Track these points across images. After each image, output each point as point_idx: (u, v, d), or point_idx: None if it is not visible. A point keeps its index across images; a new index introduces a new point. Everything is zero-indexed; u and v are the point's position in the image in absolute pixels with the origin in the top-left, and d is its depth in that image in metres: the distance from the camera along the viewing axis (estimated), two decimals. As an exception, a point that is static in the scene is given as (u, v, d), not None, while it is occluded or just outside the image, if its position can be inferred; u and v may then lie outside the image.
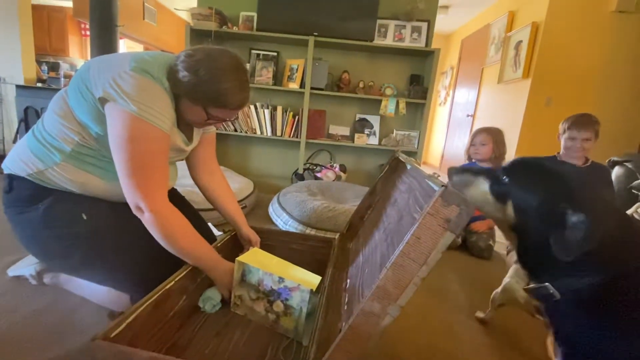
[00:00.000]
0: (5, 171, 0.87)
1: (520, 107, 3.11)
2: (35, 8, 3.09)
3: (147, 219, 0.77)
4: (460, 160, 1.92)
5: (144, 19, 4.57)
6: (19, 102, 2.67)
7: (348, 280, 0.86)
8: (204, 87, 0.78)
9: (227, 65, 0.80)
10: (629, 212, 1.43)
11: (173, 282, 0.79)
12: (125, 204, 0.78)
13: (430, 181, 0.50)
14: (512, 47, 3.34)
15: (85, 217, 0.84)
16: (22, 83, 2.75)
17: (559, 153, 1.64)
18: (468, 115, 4.29)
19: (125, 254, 0.86)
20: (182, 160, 1.04)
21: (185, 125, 0.92)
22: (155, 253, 0.82)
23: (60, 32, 5.03)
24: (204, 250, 0.87)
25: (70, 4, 4.47)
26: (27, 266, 1.00)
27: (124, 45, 5.11)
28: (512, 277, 0.90)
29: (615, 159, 1.84)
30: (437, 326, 1.02)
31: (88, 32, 5.16)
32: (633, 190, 1.46)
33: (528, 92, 3.02)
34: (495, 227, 1.69)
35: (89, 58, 4.55)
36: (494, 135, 1.73)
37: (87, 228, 0.84)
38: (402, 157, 0.95)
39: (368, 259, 0.80)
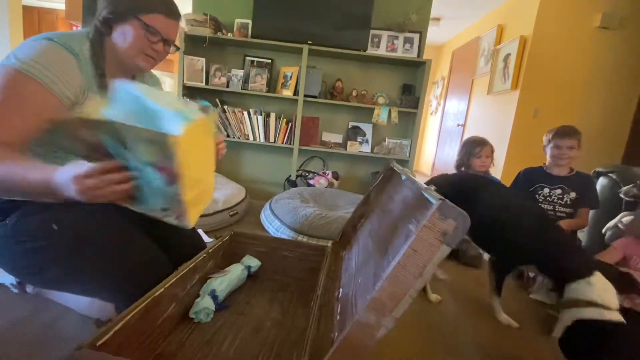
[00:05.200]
0: None
1: (509, 118, 3.18)
2: (26, 9, 3.04)
3: None
4: (452, 168, 1.94)
5: (137, 22, 4.52)
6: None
7: (341, 290, 0.85)
8: None
9: None
10: (612, 222, 1.47)
11: (163, 289, 0.77)
12: (101, 206, 0.66)
13: (427, 194, 0.50)
14: (501, 59, 3.44)
15: (56, 228, 0.74)
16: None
17: (545, 164, 1.68)
18: (459, 125, 4.37)
19: (105, 262, 0.77)
20: None
21: None
22: (138, 259, 0.79)
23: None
24: (28, 165, 0.66)
25: (60, 6, 4.42)
26: (8, 274, 0.97)
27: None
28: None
29: (600, 170, 1.89)
30: (427, 335, 1.02)
31: (79, 34, 5.11)
32: (621, 196, 1.51)
33: (516, 103, 3.10)
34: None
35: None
36: (492, 147, 1.76)
37: (60, 239, 0.74)
38: (397, 167, 0.96)
39: (361, 269, 0.80)
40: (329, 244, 1.22)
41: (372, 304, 0.46)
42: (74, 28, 5.13)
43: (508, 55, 3.29)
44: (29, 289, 0.96)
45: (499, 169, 3.17)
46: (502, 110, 3.35)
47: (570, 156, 1.55)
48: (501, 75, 3.40)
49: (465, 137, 4.16)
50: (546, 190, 1.62)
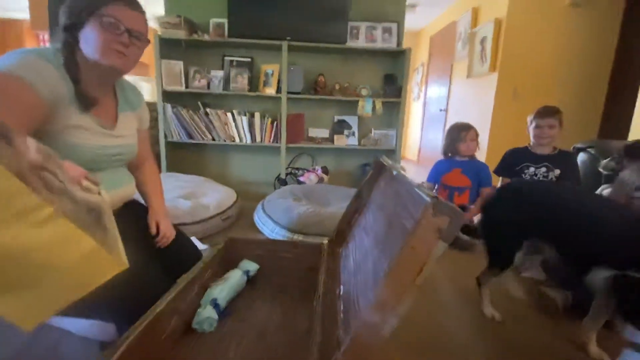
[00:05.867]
0: None
1: (490, 100, 3.24)
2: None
3: None
4: (437, 154, 1.96)
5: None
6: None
7: (342, 287, 0.87)
8: None
9: None
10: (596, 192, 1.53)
11: (164, 304, 0.77)
12: None
13: (420, 191, 0.51)
14: (478, 42, 3.48)
15: None
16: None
17: (529, 144, 1.73)
18: (441, 110, 4.42)
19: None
20: (123, 159, 0.97)
21: (103, 111, 0.87)
22: (135, 275, 0.78)
23: (18, 44, 4.77)
24: None
25: (25, 16, 4.22)
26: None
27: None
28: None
29: (579, 145, 1.96)
30: (424, 322, 1.05)
31: (47, 43, 4.92)
32: (600, 170, 1.56)
33: (495, 85, 3.15)
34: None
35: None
36: (476, 131, 1.79)
37: None
38: (387, 162, 0.97)
39: (360, 266, 0.81)
40: (325, 241, 1.24)
41: (375, 302, 0.47)
42: (41, 38, 4.93)
43: (484, 38, 3.34)
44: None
45: (483, 151, 3.23)
46: (482, 92, 3.41)
47: (551, 135, 1.60)
48: (479, 58, 3.45)
49: (448, 121, 4.23)
50: (532, 169, 1.68)
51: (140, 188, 1.08)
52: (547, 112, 1.60)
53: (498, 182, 1.80)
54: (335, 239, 1.21)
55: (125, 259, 0.50)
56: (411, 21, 4.85)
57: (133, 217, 0.99)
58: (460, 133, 1.78)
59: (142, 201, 1.09)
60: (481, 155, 3.14)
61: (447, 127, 3.96)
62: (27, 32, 4.78)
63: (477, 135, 1.76)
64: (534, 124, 1.64)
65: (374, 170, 1.17)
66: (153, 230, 0.99)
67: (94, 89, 0.84)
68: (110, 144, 0.90)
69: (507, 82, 3.13)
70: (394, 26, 2.48)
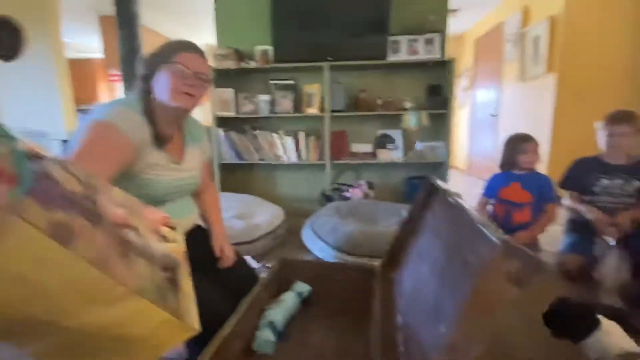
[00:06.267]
0: None
1: (548, 103, 3.00)
2: (69, 62, 3.40)
3: None
4: (488, 163, 1.84)
5: (165, 60, 4.85)
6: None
7: (399, 317, 0.85)
8: (160, 49, 0.92)
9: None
10: None
11: (230, 328, 0.81)
12: None
13: (486, 229, 0.50)
14: (530, 42, 3.26)
15: None
16: (65, 137, 2.99)
17: (600, 153, 1.57)
18: (492, 115, 4.18)
19: None
20: (190, 189, 1.06)
21: (172, 147, 0.96)
22: (204, 299, 0.85)
23: (91, 80, 5.46)
24: None
25: (97, 55, 4.86)
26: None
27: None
28: None
29: (663, 152, 1.73)
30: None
31: (114, 78, 5.59)
32: None
33: (555, 87, 2.91)
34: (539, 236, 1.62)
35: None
36: (537, 143, 1.65)
37: None
38: (439, 185, 0.95)
39: (419, 296, 0.79)
40: (376, 262, 1.22)
41: (445, 347, 0.47)
42: (111, 74, 5.60)
43: (538, 37, 3.12)
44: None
45: (544, 161, 2.98)
46: (539, 95, 3.16)
47: (625, 144, 1.43)
48: (533, 59, 3.22)
49: (501, 126, 3.97)
50: (605, 181, 1.51)
51: (202, 214, 1.17)
52: (619, 118, 1.43)
53: (564, 196, 1.65)
54: (387, 262, 1.20)
55: (197, 322, 0.50)
56: (453, 25, 4.68)
57: (198, 242, 1.07)
58: (520, 145, 1.64)
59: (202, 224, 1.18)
60: (541, 166, 2.89)
61: (500, 132, 3.74)
62: (101, 70, 5.47)
63: (538, 147, 1.63)
64: (604, 131, 1.48)
65: (425, 191, 1.14)
66: (218, 254, 1.07)
67: (167, 127, 0.95)
68: (180, 177, 0.99)
69: (568, 84, 2.88)
70: (436, 37, 2.43)
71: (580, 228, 1.57)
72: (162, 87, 0.89)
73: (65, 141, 2.94)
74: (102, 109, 0.84)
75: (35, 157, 0.38)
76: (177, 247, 0.58)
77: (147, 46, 3.29)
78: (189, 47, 0.92)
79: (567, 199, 1.63)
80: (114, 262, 0.40)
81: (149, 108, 0.90)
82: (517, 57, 3.48)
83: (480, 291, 0.45)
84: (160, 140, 0.92)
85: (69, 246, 0.33)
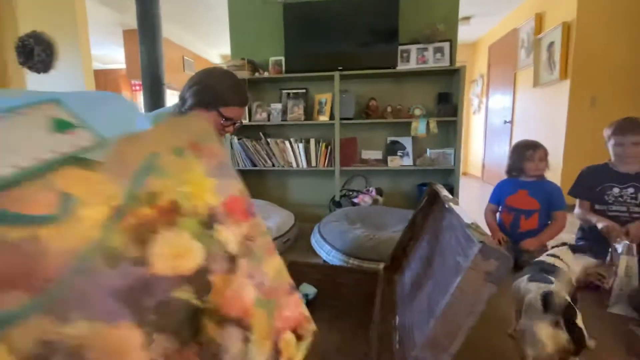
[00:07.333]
0: None
1: (562, 110, 2.95)
2: (95, 73, 3.62)
3: None
4: (503, 170, 1.81)
5: (184, 70, 5.06)
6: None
7: (397, 318, 0.88)
8: (212, 90, 0.95)
9: (219, 70, 1.01)
10: None
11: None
12: None
13: (470, 231, 0.53)
14: (544, 49, 3.23)
15: None
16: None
17: (609, 160, 1.55)
18: (506, 122, 4.13)
19: None
20: None
21: None
22: None
23: (116, 90, 5.74)
24: None
25: (120, 66, 5.11)
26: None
27: (170, 95, 5.68)
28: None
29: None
30: (481, 348, 0.98)
31: (137, 87, 5.85)
32: None
33: (568, 93, 2.87)
34: (549, 244, 1.61)
35: (142, 109, 5.15)
36: (546, 150, 1.63)
37: None
38: (440, 191, 0.98)
39: (416, 298, 0.82)
40: (381, 266, 1.25)
41: (427, 342, 0.50)
42: (133, 83, 5.86)
43: (552, 43, 3.09)
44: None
45: (558, 168, 2.92)
46: (553, 102, 3.12)
47: (636, 153, 1.41)
48: (547, 65, 3.19)
49: (515, 133, 3.92)
50: (616, 190, 1.49)
51: None
52: (629, 128, 1.41)
53: (575, 204, 1.63)
54: (391, 265, 1.23)
55: None
56: (466, 33, 4.69)
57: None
58: (526, 151, 1.62)
59: None
60: (555, 173, 2.85)
61: (514, 139, 3.69)
62: (123, 79, 5.75)
63: (546, 154, 1.61)
64: (613, 141, 1.46)
65: (428, 196, 1.17)
66: None
67: None
68: None
69: (582, 90, 2.84)
70: (446, 45, 2.45)
71: (591, 237, 1.55)
72: None
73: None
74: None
75: None
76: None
77: (168, 56, 3.47)
78: (241, 102, 1.01)
79: (577, 208, 1.61)
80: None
81: None
82: (531, 63, 3.44)
83: (461, 289, 0.49)
84: None
85: None
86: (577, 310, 0.72)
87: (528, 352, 0.71)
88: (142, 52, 2.85)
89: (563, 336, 0.68)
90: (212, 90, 0.96)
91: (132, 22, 2.89)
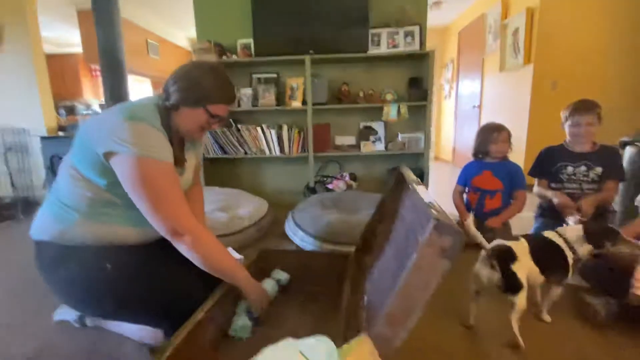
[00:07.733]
0: (33, 237, 0.97)
1: (526, 94, 3.08)
2: (49, 57, 3.31)
3: (188, 242, 0.86)
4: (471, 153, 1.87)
5: (147, 54, 4.78)
6: (45, 151, 2.86)
7: (365, 297, 0.90)
8: (198, 87, 0.92)
9: (206, 65, 0.96)
10: None
11: (203, 313, 0.85)
12: (145, 247, 0.94)
13: (428, 209, 0.54)
14: (509, 34, 3.32)
15: (109, 267, 0.91)
16: (45, 134, 2.95)
17: (565, 141, 1.64)
18: (474, 107, 4.26)
19: (151, 294, 0.93)
20: (184, 189, 1.09)
21: (178, 158, 1.01)
22: (177, 287, 0.93)
23: (74, 76, 5.33)
24: (236, 265, 0.98)
25: (77, 50, 4.75)
26: (70, 312, 1.09)
27: (132, 80, 5.35)
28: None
29: (626, 139, 1.81)
30: (441, 328, 1.04)
31: (97, 73, 5.46)
32: None
33: (532, 77, 2.99)
34: (511, 221, 1.69)
35: (102, 97, 4.81)
36: (509, 132, 1.70)
37: (114, 277, 0.91)
38: (406, 173, 1.00)
39: (382, 276, 0.84)
40: (353, 249, 1.27)
41: (386, 317, 0.51)
42: (93, 68, 5.47)
43: (517, 29, 3.18)
44: (89, 322, 1.08)
45: (522, 150, 3.07)
46: (518, 86, 3.24)
47: (590, 132, 1.50)
48: (512, 50, 3.29)
49: (483, 118, 4.05)
50: (569, 168, 1.58)
51: None
52: (584, 108, 1.50)
53: (534, 184, 1.71)
54: (362, 247, 1.25)
55: None
56: (438, 18, 4.73)
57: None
58: (492, 134, 1.69)
59: None
60: (519, 155, 2.98)
61: (482, 124, 3.82)
62: (82, 63, 5.33)
63: (509, 136, 1.68)
64: (569, 121, 1.55)
65: (396, 180, 1.19)
66: None
67: (177, 143, 1.01)
68: (182, 182, 1.05)
69: (544, 74, 2.96)
70: (416, 29, 2.46)
71: (548, 213, 1.64)
72: (188, 121, 0.96)
73: (44, 138, 2.89)
74: (119, 130, 0.83)
75: None
76: None
77: (129, 39, 3.24)
78: (229, 100, 0.99)
79: (536, 187, 1.70)
80: None
81: (167, 126, 0.93)
82: (498, 48, 3.54)
83: (417, 266, 0.49)
84: (179, 159, 0.99)
85: None
86: (517, 259, 0.92)
87: (472, 286, 0.99)
88: (99, 35, 2.65)
89: (496, 275, 0.91)
90: (198, 88, 0.93)
91: (87, 2, 2.67)
